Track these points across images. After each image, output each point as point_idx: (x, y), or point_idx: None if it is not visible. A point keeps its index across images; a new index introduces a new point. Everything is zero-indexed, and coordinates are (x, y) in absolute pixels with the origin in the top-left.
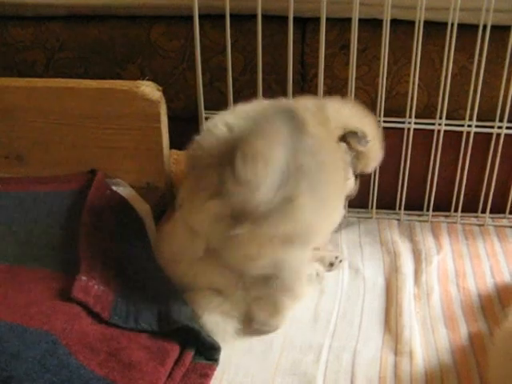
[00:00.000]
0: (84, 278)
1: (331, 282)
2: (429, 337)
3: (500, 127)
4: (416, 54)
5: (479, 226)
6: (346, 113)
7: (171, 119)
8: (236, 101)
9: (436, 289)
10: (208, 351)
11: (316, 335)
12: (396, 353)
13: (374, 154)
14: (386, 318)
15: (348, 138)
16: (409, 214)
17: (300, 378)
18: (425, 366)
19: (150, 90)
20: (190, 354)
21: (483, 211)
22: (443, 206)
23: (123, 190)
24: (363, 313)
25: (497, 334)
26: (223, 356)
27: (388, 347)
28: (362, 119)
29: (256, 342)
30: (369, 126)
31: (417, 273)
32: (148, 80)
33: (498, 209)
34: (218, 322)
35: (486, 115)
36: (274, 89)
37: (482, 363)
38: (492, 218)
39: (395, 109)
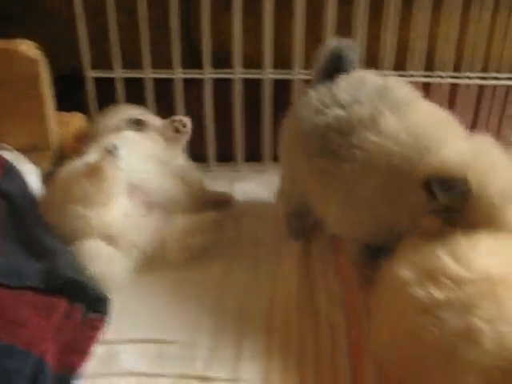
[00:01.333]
0: None
1: None
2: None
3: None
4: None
5: None
6: None
7: (57, 80)
8: (122, 59)
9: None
10: (97, 304)
11: (207, 284)
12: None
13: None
14: (277, 260)
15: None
16: None
17: (191, 323)
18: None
19: (28, 48)
20: (79, 308)
21: None
22: None
23: (8, 153)
24: (254, 259)
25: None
26: (113, 307)
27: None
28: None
29: (146, 292)
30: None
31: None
32: (28, 39)
33: None
34: (107, 272)
35: (373, 63)
36: (162, 45)
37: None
38: None
39: (283, 61)
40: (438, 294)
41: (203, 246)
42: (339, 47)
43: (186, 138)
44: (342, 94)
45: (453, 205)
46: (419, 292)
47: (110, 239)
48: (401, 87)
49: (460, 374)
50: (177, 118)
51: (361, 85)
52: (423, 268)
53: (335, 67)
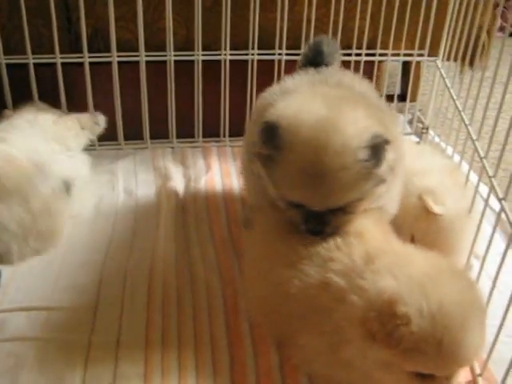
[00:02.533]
0: None
1: (106, 204)
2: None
3: (253, 54)
4: None
5: None
6: None
7: None
8: (5, 46)
9: (203, 203)
10: None
11: (93, 253)
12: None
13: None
14: (156, 232)
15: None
16: (182, 142)
17: (77, 290)
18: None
19: None
20: None
21: None
22: (213, 132)
23: None
24: (134, 229)
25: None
26: (4, 279)
27: (157, 250)
28: None
29: (36, 263)
30: None
31: (186, 190)
32: None
33: None
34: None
35: (241, 44)
36: (43, 32)
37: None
38: None
39: (158, 43)
40: (300, 248)
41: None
42: (318, 42)
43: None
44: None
45: (264, 149)
46: (283, 247)
47: None
48: None
49: (341, 331)
50: (97, 114)
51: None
52: (286, 224)
53: (315, 60)
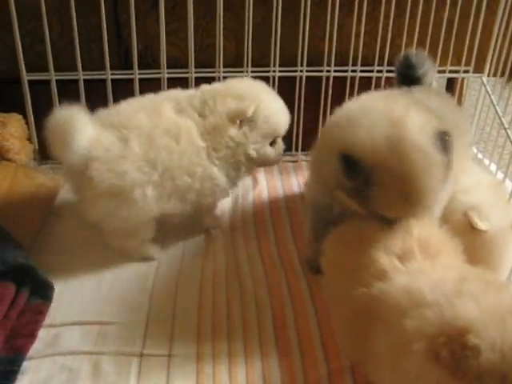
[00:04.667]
0: None
1: None
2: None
3: (301, 71)
4: (219, 6)
5: (293, 162)
6: None
7: None
8: (56, 62)
9: (251, 219)
10: (42, 290)
11: (141, 266)
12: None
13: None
14: (206, 247)
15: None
16: None
17: (129, 306)
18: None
19: None
20: (24, 295)
21: (296, 149)
22: None
23: None
24: (185, 245)
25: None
26: (56, 294)
27: (207, 267)
28: None
29: (87, 278)
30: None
31: (234, 206)
32: None
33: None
34: None
35: (290, 61)
36: (93, 49)
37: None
38: (304, 154)
39: (207, 60)
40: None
41: None
42: (409, 57)
43: None
44: None
45: (356, 186)
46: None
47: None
48: None
49: (408, 341)
50: None
51: None
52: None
53: (408, 75)
